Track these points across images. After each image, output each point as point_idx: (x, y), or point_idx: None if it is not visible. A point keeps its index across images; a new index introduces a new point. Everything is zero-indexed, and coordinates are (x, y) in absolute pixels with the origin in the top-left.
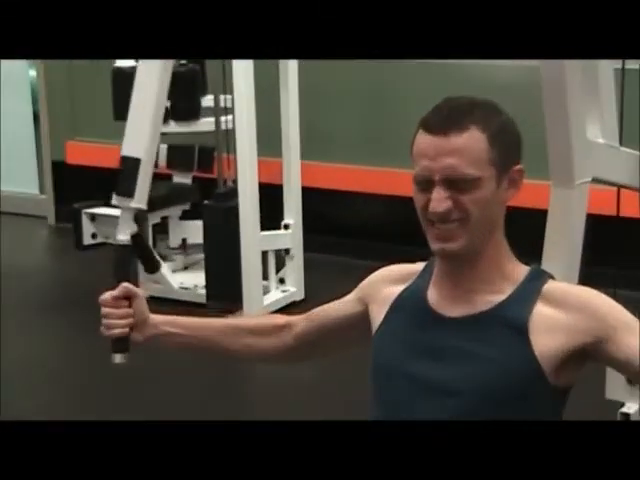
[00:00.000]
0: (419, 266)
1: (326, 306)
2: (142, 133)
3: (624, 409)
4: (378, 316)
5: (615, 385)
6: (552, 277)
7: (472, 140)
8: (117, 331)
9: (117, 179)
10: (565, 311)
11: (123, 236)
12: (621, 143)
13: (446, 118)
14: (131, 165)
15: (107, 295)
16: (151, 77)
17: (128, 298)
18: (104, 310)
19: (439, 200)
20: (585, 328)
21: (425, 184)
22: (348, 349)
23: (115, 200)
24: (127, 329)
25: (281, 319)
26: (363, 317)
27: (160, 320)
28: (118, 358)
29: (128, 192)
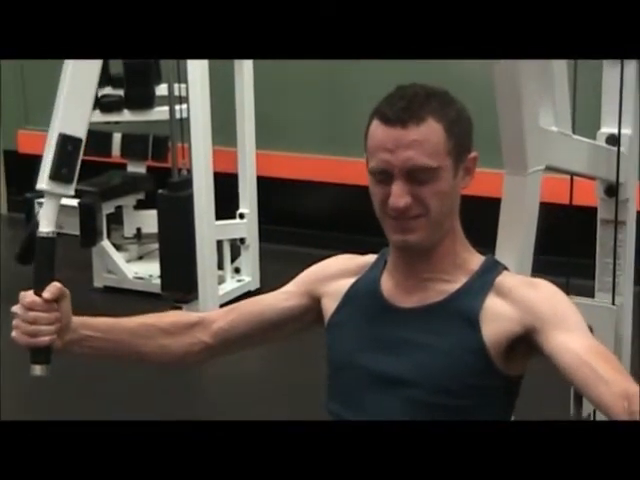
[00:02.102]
0: (370, 258)
1: (258, 299)
2: (84, 111)
3: None
4: (330, 309)
5: None
6: (506, 268)
7: (430, 131)
8: (46, 339)
9: (53, 161)
10: (508, 302)
11: (49, 227)
12: (574, 131)
13: (403, 109)
14: (72, 146)
15: (32, 296)
16: (91, 64)
17: (56, 300)
18: (31, 315)
19: (399, 195)
20: (517, 317)
21: (384, 177)
22: (273, 342)
23: (47, 186)
24: (55, 336)
25: (192, 317)
26: (307, 310)
27: (78, 323)
28: (39, 370)
29: (67, 177)
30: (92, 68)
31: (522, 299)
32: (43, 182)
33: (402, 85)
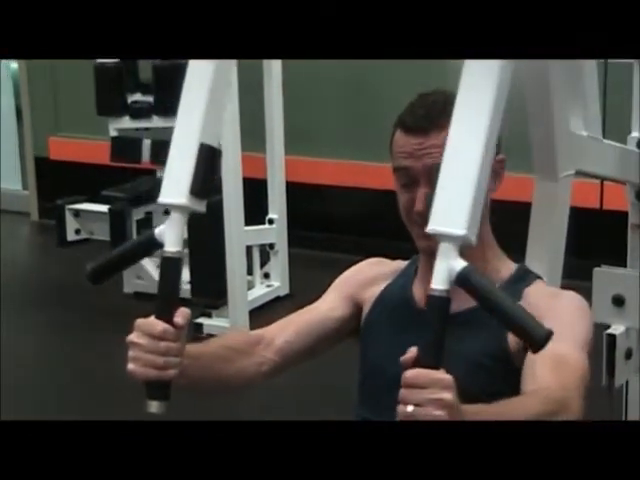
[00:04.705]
0: (400, 263)
1: (309, 310)
2: (220, 118)
3: (610, 330)
4: (364, 314)
5: (601, 308)
6: (539, 277)
7: None
8: (173, 372)
9: (197, 174)
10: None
11: (176, 247)
12: (604, 135)
13: (423, 118)
14: (213, 157)
15: (163, 324)
16: (230, 65)
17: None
18: (163, 345)
19: (423, 200)
20: None
21: (408, 183)
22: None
23: (188, 201)
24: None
25: (252, 335)
26: (352, 317)
27: None
28: (157, 407)
29: (207, 192)
30: (230, 70)
31: (536, 308)
32: (182, 197)
33: (423, 93)
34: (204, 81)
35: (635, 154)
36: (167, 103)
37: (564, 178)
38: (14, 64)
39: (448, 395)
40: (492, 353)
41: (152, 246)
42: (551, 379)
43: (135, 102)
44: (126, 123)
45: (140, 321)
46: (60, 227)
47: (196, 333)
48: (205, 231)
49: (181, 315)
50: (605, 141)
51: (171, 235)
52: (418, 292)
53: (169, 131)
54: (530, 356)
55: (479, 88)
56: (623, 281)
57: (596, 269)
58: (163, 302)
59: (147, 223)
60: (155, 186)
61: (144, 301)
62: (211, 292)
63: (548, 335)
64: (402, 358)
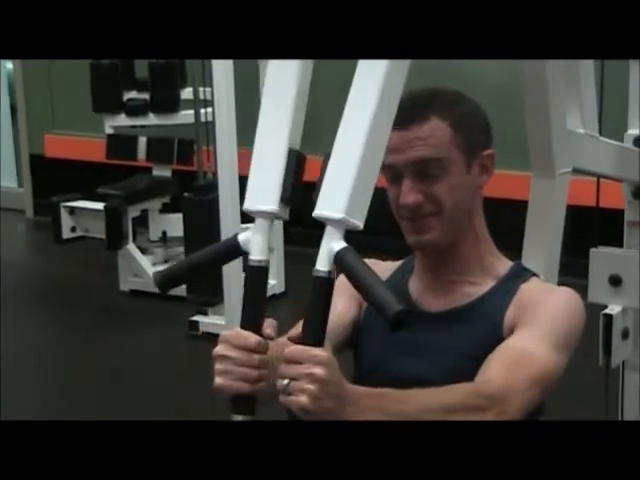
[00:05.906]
0: (393, 263)
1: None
2: (302, 124)
3: (607, 311)
4: (361, 313)
5: (597, 288)
6: (535, 275)
7: (434, 128)
8: (264, 384)
9: (287, 180)
10: (520, 306)
11: (263, 255)
12: (601, 133)
13: (407, 112)
14: (300, 163)
15: (256, 337)
16: (308, 69)
17: None
18: (257, 358)
19: (408, 191)
20: (514, 320)
21: (395, 178)
22: None
23: (279, 208)
24: None
25: (283, 344)
26: (359, 318)
27: None
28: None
29: (295, 199)
30: (310, 68)
31: (527, 303)
32: (272, 203)
33: (413, 90)
34: (290, 84)
35: (632, 152)
36: (163, 101)
37: (561, 176)
38: (9, 63)
39: (319, 370)
40: (488, 349)
41: (236, 254)
42: (499, 373)
43: (131, 99)
44: (122, 120)
45: (229, 333)
46: (55, 225)
47: (191, 331)
48: (201, 229)
49: (270, 326)
50: (602, 139)
51: (257, 243)
52: (414, 289)
53: (164, 128)
54: (497, 348)
55: (367, 85)
56: (620, 261)
57: (593, 249)
58: (251, 313)
59: (143, 221)
60: (151, 184)
61: (140, 299)
62: (207, 290)
63: (399, 313)
64: (287, 335)
